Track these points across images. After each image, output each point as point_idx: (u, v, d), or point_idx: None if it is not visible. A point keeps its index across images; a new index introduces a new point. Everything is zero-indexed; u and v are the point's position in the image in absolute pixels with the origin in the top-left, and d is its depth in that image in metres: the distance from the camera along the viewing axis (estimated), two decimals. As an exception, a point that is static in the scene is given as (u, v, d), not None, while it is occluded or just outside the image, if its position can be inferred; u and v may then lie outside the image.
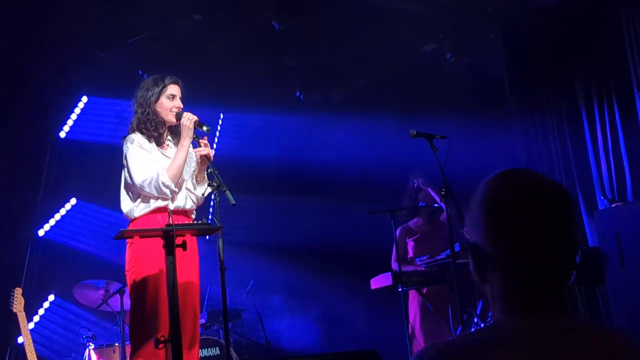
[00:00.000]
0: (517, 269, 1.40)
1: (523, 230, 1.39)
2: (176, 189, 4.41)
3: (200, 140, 4.45)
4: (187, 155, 4.47)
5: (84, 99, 8.05)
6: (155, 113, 4.53)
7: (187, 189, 4.57)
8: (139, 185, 4.34)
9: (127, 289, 4.52)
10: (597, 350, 1.33)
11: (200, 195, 4.61)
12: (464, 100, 8.32)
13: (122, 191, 4.52)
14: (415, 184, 6.72)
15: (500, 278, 1.43)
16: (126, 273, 4.41)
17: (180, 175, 4.45)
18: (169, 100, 4.55)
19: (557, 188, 1.44)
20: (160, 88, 4.55)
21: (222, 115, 9.02)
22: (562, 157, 8.28)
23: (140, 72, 7.53)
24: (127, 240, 4.38)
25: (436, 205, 6.49)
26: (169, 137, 4.66)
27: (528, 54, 8.27)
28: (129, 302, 6.25)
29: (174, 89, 4.59)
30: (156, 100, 4.53)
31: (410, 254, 6.65)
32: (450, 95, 8.35)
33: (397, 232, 6.57)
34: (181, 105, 4.57)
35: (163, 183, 4.32)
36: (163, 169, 4.37)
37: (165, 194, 4.36)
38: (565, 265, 1.42)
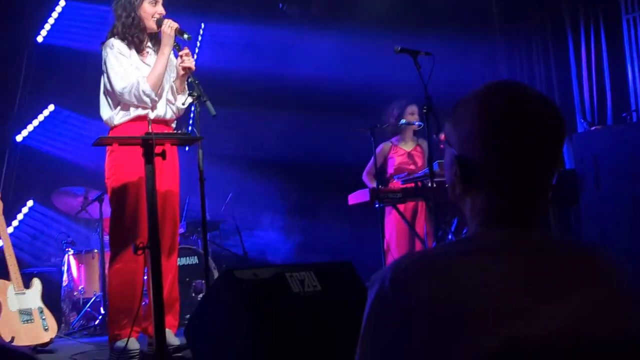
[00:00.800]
0: (503, 182, 1.40)
1: (515, 143, 1.38)
2: (156, 98, 4.37)
3: (182, 51, 4.39)
4: (167, 63, 4.42)
5: (62, 2, 7.83)
6: (141, 19, 4.45)
7: (167, 99, 4.52)
8: (118, 93, 4.30)
9: (107, 196, 4.53)
10: (573, 266, 1.34)
11: (181, 106, 4.57)
12: (449, 17, 8.20)
13: (102, 98, 4.47)
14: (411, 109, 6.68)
15: (484, 191, 1.42)
16: (106, 181, 4.41)
17: (161, 84, 4.40)
18: (151, 6, 4.47)
19: (550, 103, 1.43)
20: None
21: (203, 25, 8.84)
22: (544, 79, 8.31)
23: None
24: (107, 148, 4.37)
25: (417, 123, 6.49)
26: (149, 45, 4.58)
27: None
28: (107, 209, 6.30)
29: None
30: (139, 6, 4.44)
31: (391, 170, 6.70)
32: (435, 12, 8.21)
33: (379, 147, 6.62)
34: (163, 12, 4.49)
35: (143, 91, 4.28)
36: (143, 77, 4.32)
37: (145, 102, 4.33)
38: (550, 181, 1.43)
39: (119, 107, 4.39)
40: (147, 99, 4.31)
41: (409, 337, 1.28)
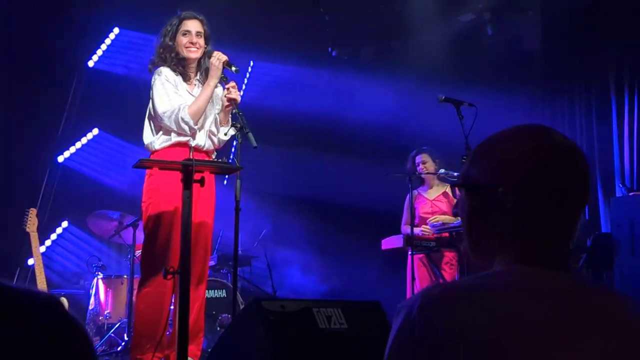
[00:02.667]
0: (528, 221, 1.41)
1: (540, 183, 1.40)
2: (195, 127, 4.41)
3: (229, 84, 4.46)
4: (211, 94, 4.47)
5: (116, 30, 8.03)
6: (175, 49, 4.54)
7: (209, 130, 4.57)
8: (160, 116, 4.36)
9: (142, 220, 4.56)
10: (600, 310, 1.33)
11: (223, 137, 4.62)
12: (496, 72, 8.21)
13: (146, 122, 4.54)
14: (419, 159, 6.66)
15: (509, 230, 1.44)
16: (142, 204, 4.44)
17: (202, 114, 4.45)
18: (183, 37, 4.54)
19: (575, 146, 1.45)
20: (177, 24, 4.56)
21: (252, 63, 8.97)
22: (586, 141, 8.25)
23: (178, 12, 7.49)
24: (146, 171, 4.41)
25: (456, 174, 6.44)
26: (198, 77, 4.66)
27: (565, 35, 8.18)
28: (141, 235, 6.33)
29: (190, 25, 4.56)
30: (174, 37, 4.54)
31: (417, 219, 6.67)
32: (482, 66, 8.25)
33: (407, 197, 6.61)
34: (194, 41, 4.54)
35: (182, 118, 4.33)
36: (185, 105, 4.38)
37: (183, 130, 4.37)
38: (576, 223, 1.43)
39: (160, 132, 4.45)
40: (185, 127, 4.36)
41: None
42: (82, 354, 0.81)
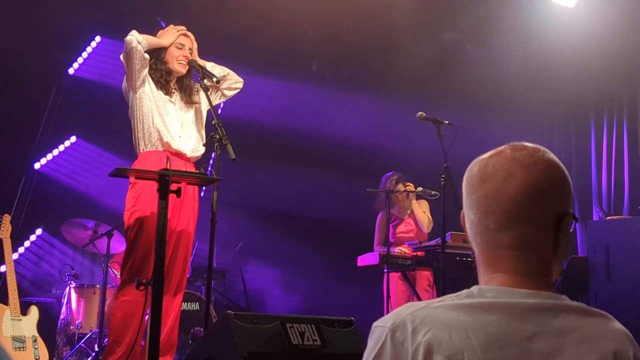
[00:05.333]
0: (489, 232, 1.42)
1: (494, 194, 1.41)
2: (141, 40, 4.36)
3: None
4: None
5: (97, 38, 7.98)
6: (164, 62, 4.55)
7: (192, 136, 4.57)
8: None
9: (124, 228, 4.49)
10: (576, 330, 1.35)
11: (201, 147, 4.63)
12: (474, 90, 8.23)
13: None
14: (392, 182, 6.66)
15: (477, 242, 1.45)
16: (125, 212, 4.39)
17: (154, 45, 4.47)
18: (177, 49, 4.60)
19: (545, 161, 1.45)
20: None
21: (235, 74, 8.94)
22: (564, 162, 8.29)
23: (161, 22, 7.47)
24: (130, 180, 4.38)
25: (434, 192, 6.45)
26: (176, 87, 4.67)
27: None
28: (115, 245, 6.27)
29: (184, 40, 4.66)
30: (166, 49, 4.60)
31: (392, 239, 6.67)
32: (462, 84, 8.26)
33: (379, 217, 6.64)
34: (188, 55, 4.61)
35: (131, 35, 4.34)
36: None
37: (129, 51, 4.35)
38: (545, 231, 1.41)
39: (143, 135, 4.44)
40: (130, 38, 4.34)
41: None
42: None
